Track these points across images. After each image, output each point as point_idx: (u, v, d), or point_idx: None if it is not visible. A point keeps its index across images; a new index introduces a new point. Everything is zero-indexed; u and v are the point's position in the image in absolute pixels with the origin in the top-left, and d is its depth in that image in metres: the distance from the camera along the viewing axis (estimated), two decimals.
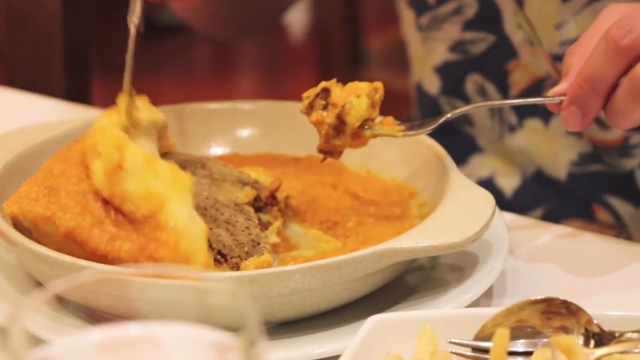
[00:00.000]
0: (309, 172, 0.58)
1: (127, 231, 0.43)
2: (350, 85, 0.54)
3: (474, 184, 0.51)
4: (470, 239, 0.44)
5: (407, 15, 0.81)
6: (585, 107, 0.50)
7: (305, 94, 0.54)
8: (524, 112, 0.73)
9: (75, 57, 0.94)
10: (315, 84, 0.55)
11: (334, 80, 0.55)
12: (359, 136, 0.52)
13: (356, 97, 0.52)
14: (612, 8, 0.55)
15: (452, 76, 0.76)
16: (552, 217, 0.74)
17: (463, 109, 0.58)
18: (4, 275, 0.50)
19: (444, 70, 0.77)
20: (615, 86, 0.50)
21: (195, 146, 0.59)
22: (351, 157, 0.57)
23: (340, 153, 0.54)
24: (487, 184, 0.77)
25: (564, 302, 0.38)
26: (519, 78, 0.73)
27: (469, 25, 0.75)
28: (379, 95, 0.53)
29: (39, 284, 0.48)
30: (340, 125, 0.52)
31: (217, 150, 0.61)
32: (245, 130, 0.61)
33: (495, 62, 0.73)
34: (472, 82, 0.75)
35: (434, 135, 0.59)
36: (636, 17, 0.49)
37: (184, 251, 0.43)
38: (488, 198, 0.48)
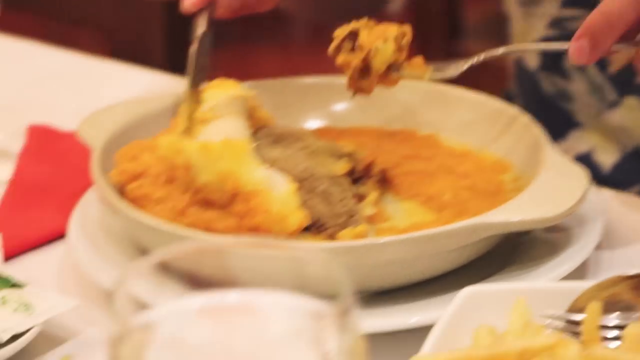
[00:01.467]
0: (404, 145, 0.59)
1: (221, 214, 0.47)
2: (379, 27, 0.54)
3: (569, 159, 0.51)
4: (564, 213, 0.44)
5: None
6: (595, 40, 0.50)
7: (336, 33, 0.55)
8: (623, 89, 0.72)
9: (177, 29, 0.99)
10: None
11: (365, 19, 0.55)
12: (385, 78, 0.53)
13: (383, 41, 0.52)
14: None
15: (551, 52, 0.75)
16: None
17: (494, 52, 0.58)
18: (110, 241, 0.53)
19: None
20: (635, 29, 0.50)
21: (291, 120, 0.61)
22: (446, 132, 0.58)
23: (370, 91, 0.55)
24: (586, 159, 0.76)
25: None
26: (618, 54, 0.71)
27: (567, 2, 0.75)
28: (407, 39, 0.54)
29: (142, 250, 0.52)
30: (366, 68, 0.53)
31: (313, 123, 0.62)
32: (341, 104, 0.63)
33: None
34: None
35: (532, 109, 0.60)
36: None
37: (278, 213, 0.45)
38: (582, 173, 0.48)
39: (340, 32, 0.54)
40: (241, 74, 0.65)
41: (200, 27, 0.63)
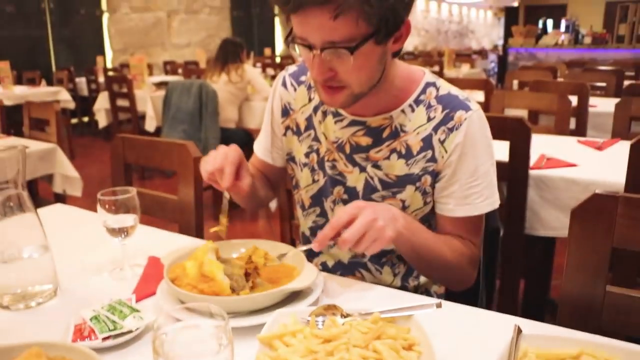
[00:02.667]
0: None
1: (205, 283, 1.46)
2: (258, 251, 1.55)
3: (315, 267, 1.53)
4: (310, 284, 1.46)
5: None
6: (320, 241, 1.44)
7: (242, 254, 1.58)
8: None
9: None
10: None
11: (254, 246, 1.57)
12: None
13: (259, 257, 1.53)
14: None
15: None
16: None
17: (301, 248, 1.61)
18: (169, 296, 1.51)
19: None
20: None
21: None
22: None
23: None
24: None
25: None
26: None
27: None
28: (268, 255, 1.56)
29: (177, 299, 1.50)
30: (255, 267, 1.54)
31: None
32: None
33: None
34: None
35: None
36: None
37: (220, 284, 1.41)
38: (315, 270, 1.51)
39: (244, 256, 1.50)
40: None
41: (226, 199, 1.64)
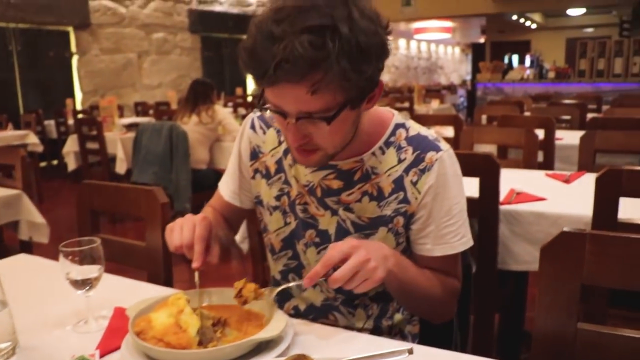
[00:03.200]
0: (235, 312, 1.58)
1: (173, 334, 1.42)
2: (248, 285, 1.51)
3: (285, 314, 1.51)
4: (279, 333, 1.43)
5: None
6: (311, 278, 1.39)
7: (235, 285, 1.52)
8: None
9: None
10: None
11: (244, 280, 1.54)
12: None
13: (250, 291, 1.50)
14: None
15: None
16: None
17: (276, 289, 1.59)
18: (134, 350, 1.46)
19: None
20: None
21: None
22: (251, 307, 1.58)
23: (246, 303, 1.53)
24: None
25: None
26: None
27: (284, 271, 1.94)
28: (258, 290, 1.50)
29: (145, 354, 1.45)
30: (245, 299, 1.51)
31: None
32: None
33: None
34: None
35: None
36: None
37: (191, 337, 1.39)
38: (285, 318, 1.48)
39: (237, 285, 1.44)
40: None
41: (197, 277, 1.58)
